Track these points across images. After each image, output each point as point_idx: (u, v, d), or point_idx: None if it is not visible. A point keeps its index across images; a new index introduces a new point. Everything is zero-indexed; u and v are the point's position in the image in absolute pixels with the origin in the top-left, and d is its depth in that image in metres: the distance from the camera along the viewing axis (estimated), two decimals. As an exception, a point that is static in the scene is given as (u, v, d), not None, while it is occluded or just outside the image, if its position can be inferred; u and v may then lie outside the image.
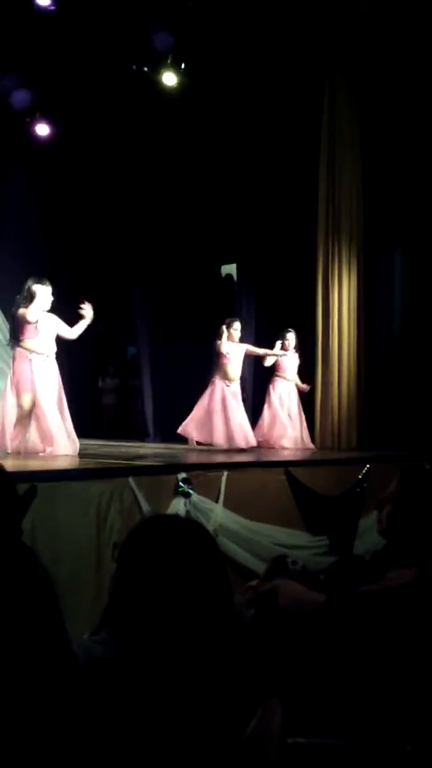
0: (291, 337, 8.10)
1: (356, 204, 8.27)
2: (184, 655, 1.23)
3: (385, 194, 8.29)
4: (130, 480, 4.22)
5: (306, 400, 8.32)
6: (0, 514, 1.15)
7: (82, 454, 5.89)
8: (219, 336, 7.46)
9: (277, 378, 8.10)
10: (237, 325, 7.61)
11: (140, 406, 10.11)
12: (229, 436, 7.19)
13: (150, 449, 7.32)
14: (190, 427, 7.39)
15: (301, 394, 8.20)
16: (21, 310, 5.80)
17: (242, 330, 9.05)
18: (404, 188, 8.11)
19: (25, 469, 4.17)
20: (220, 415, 7.23)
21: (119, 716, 1.11)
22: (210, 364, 7.80)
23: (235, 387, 7.50)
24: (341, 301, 8.21)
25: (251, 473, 5.21)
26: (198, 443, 7.42)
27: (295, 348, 8.14)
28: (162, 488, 4.45)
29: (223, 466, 5.06)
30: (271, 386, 8.09)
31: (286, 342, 8.10)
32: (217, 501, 4.74)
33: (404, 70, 7.75)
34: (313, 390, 8.23)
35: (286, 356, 8.08)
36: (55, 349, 5.99)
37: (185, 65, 8.15)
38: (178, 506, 4.48)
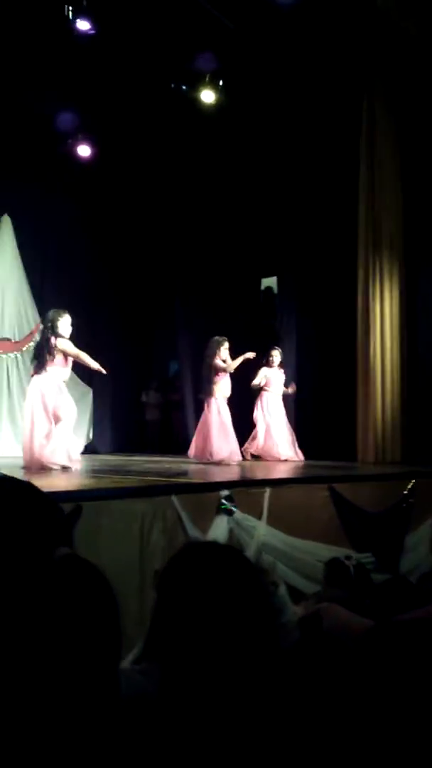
0: (276, 354, 8.52)
1: (396, 218, 8.20)
2: (225, 686, 1.22)
3: (425, 208, 8.21)
4: (174, 498, 4.22)
5: (341, 411, 8.31)
6: (42, 531, 1.14)
7: (125, 471, 5.94)
8: (215, 354, 7.63)
9: (264, 393, 8.43)
10: (226, 344, 7.78)
11: (183, 421, 10.17)
12: (233, 450, 7.50)
13: (192, 465, 7.32)
14: (206, 449, 7.47)
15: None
16: (60, 342, 6.11)
17: (284, 343, 9.17)
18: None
19: (68, 488, 4.21)
20: (222, 431, 7.47)
21: (158, 755, 1.11)
22: (249, 375, 8.13)
23: (225, 403, 7.71)
24: (383, 314, 8.12)
25: (294, 489, 5.16)
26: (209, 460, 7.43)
27: (279, 364, 8.52)
28: (205, 506, 4.44)
29: (265, 483, 5.03)
30: (259, 401, 8.42)
31: (271, 359, 8.49)
32: (260, 518, 4.70)
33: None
34: (354, 404, 8.16)
35: (269, 374, 8.45)
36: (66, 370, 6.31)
37: (223, 83, 8.20)
38: (221, 524, 4.46)
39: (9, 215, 9.17)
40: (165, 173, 10.12)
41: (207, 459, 7.37)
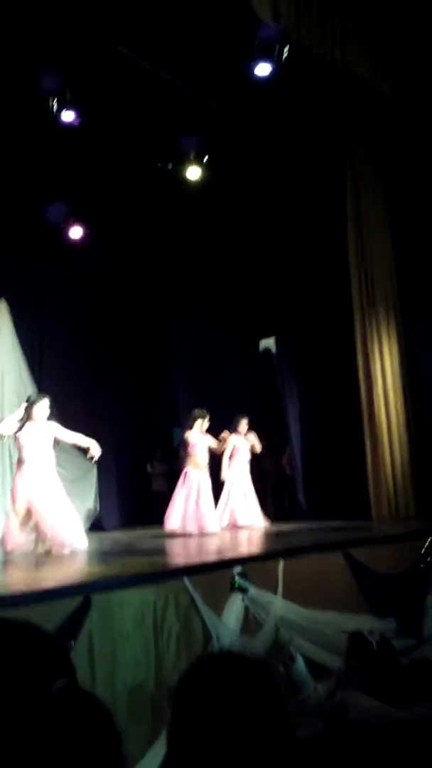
0: (243, 422, 8.61)
1: (389, 273, 8.31)
2: None
3: (416, 260, 8.32)
4: (185, 580, 4.13)
5: (350, 468, 8.25)
6: (38, 671, 1.10)
7: (135, 551, 5.84)
8: (191, 426, 7.87)
9: (233, 461, 8.49)
10: (205, 418, 7.96)
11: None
12: (204, 522, 7.51)
13: (204, 538, 7.23)
14: (176, 521, 7.60)
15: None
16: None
17: (286, 401, 9.17)
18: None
19: (78, 580, 4.12)
20: (193, 502, 7.57)
21: None
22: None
23: (206, 474, 7.84)
24: (384, 369, 8.14)
25: (308, 559, 5.07)
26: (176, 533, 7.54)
27: (246, 432, 8.60)
28: (218, 585, 4.35)
29: (278, 554, 4.94)
30: (224, 475, 8.39)
31: (240, 427, 8.59)
32: (275, 592, 4.60)
33: (423, 141, 7.90)
34: (362, 460, 8.10)
35: (239, 442, 8.53)
36: (51, 455, 6.31)
37: (208, 158, 8.42)
38: (236, 602, 4.35)
39: (5, 299, 9.30)
40: (157, 246, 10.31)
41: (166, 529, 7.57)
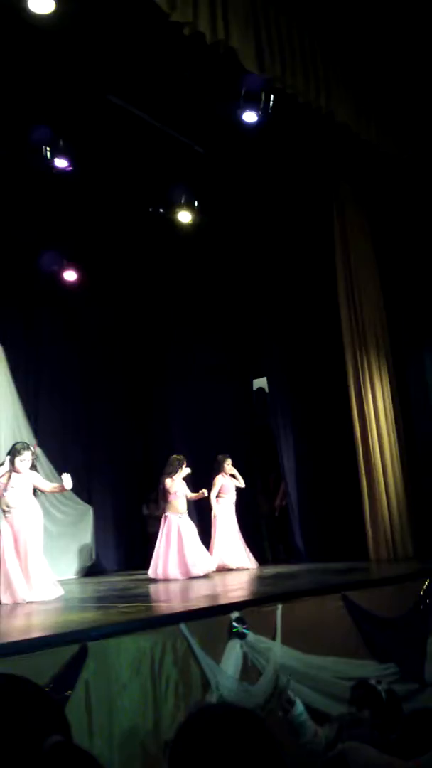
0: (228, 462, 8.69)
1: (378, 313, 8.40)
2: None
3: (405, 301, 8.41)
4: (182, 627, 4.06)
5: (346, 508, 8.20)
6: (31, 724, 1.08)
7: (131, 596, 5.76)
8: (170, 473, 7.91)
9: (220, 500, 8.53)
10: (182, 467, 8.00)
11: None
12: (187, 567, 7.48)
13: (197, 581, 7.14)
14: (159, 568, 7.62)
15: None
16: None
17: (281, 441, 9.16)
18: (425, 287, 8.24)
19: (74, 627, 4.05)
20: (177, 547, 7.61)
21: None
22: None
23: (186, 519, 7.90)
24: (376, 406, 8.15)
25: (306, 603, 4.99)
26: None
27: (231, 474, 8.65)
28: (216, 631, 4.27)
29: (276, 598, 4.86)
30: (215, 511, 8.48)
31: (226, 467, 8.63)
32: (274, 638, 4.52)
33: (408, 184, 8.07)
34: (358, 501, 8.05)
35: (225, 482, 8.58)
36: (31, 501, 6.44)
37: (198, 203, 8.57)
38: (234, 649, 4.27)
39: (1, 344, 9.34)
40: (150, 288, 10.42)
41: (154, 575, 7.59)
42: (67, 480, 6.57)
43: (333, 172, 8.39)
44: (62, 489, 6.73)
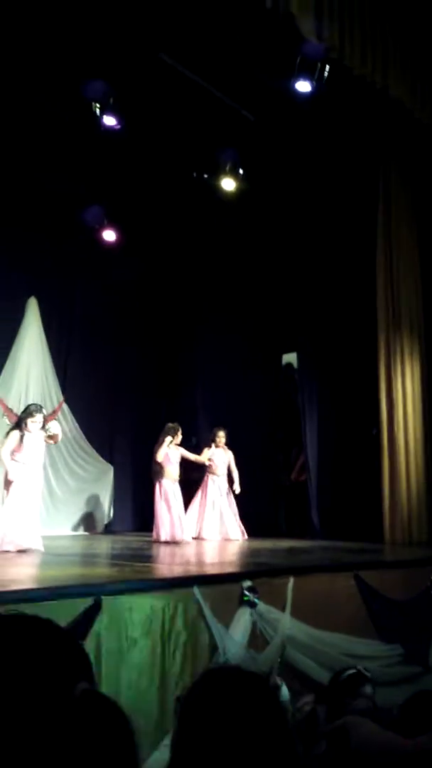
0: (222, 435, 8.76)
1: (416, 295, 8.28)
2: None
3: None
4: (195, 590, 4.13)
5: (369, 491, 8.20)
6: (61, 669, 1.11)
7: (145, 557, 5.86)
8: (161, 443, 8.06)
9: (209, 475, 8.70)
10: (176, 434, 8.18)
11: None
12: (174, 531, 7.80)
13: (213, 548, 7.24)
14: (164, 531, 7.85)
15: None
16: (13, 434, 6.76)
17: (305, 418, 9.18)
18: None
19: (89, 581, 4.14)
20: (164, 512, 7.89)
21: None
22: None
23: (177, 486, 8.14)
24: (405, 391, 8.09)
25: (319, 578, 5.04)
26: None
27: (225, 445, 8.74)
28: (227, 598, 4.34)
29: (289, 571, 4.92)
30: (203, 483, 8.69)
31: (218, 439, 8.74)
32: (283, 610, 4.57)
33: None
34: (378, 482, 8.04)
35: (215, 455, 8.71)
36: (40, 460, 6.88)
37: (244, 171, 8.48)
38: (243, 616, 4.34)
39: (35, 297, 9.41)
40: (188, 254, 10.38)
41: (155, 538, 7.84)
42: (54, 426, 6.93)
43: (382, 150, 8.23)
44: (55, 439, 7.00)
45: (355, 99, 7.40)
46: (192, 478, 9.78)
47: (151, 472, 8.22)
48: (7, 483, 6.61)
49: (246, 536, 8.59)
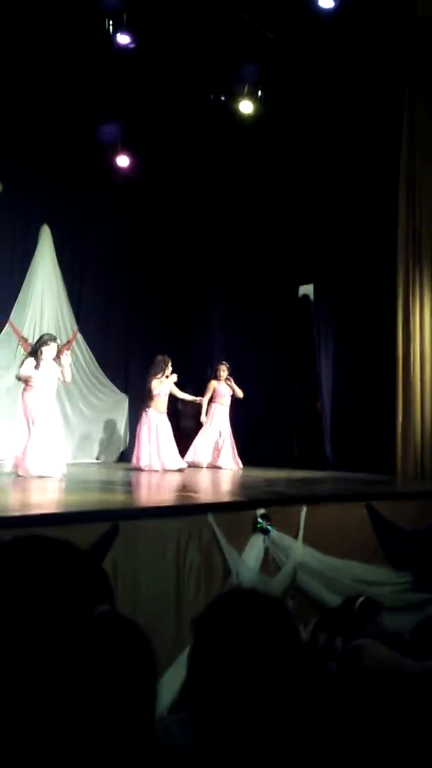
0: (224, 368, 8.97)
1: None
2: (264, 737, 1.22)
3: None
4: (209, 517, 4.21)
5: (379, 422, 8.24)
6: (81, 591, 1.13)
7: (159, 485, 5.96)
8: (155, 374, 8.20)
9: (213, 404, 8.93)
10: (165, 367, 8.27)
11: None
12: (162, 461, 7.98)
13: (227, 477, 7.34)
14: (144, 458, 8.02)
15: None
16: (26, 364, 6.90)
17: (321, 350, 9.16)
18: None
19: (106, 506, 4.23)
20: (148, 441, 8.06)
21: None
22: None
23: (165, 418, 8.33)
24: (422, 325, 8.01)
25: (331, 508, 5.12)
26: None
27: (227, 378, 8.92)
28: (241, 525, 4.43)
29: (302, 500, 4.99)
30: (210, 412, 8.91)
31: (220, 373, 8.93)
32: (296, 537, 4.67)
33: None
34: (392, 415, 8.06)
35: (219, 386, 8.90)
36: (54, 387, 7.03)
37: (263, 93, 8.17)
38: (257, 543, 4.44)
39: (48, 225, 9.28)
40: (203, 182, 10.13)
41: (134, 465, 8.07)
42: (65, 359, 6.99)
43: (407, 73, 7.88)
44: (64, 376, 7.08)
45: (380, 17, 7.05)
46: (185, 412, 10.01)
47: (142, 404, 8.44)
48: (26, 411, 6.73)
49: (241, 467, 8.81)
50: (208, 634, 1.38)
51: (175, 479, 7.04)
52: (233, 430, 9.17)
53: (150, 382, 8.18)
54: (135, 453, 8.21)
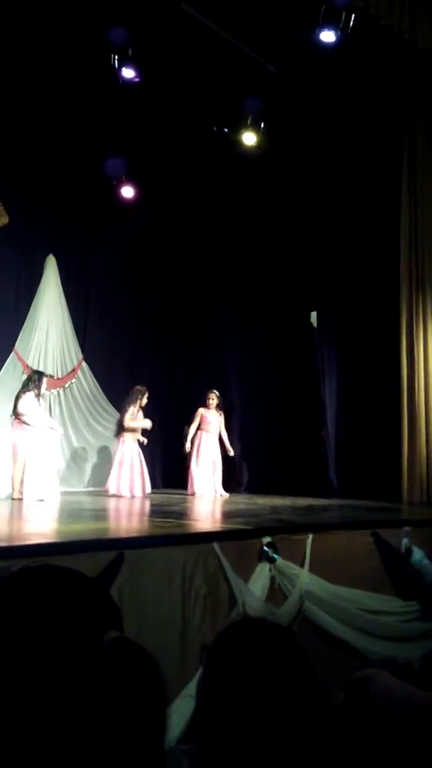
0: (213, 397, 9.05)
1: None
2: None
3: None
4: (215, 545, 4.20)
5: (384, 449, 8.22)
6: (91, 619, 1.14)
7: (167, 513, 5.94)
8: (131, 403, 8.46)
9: (201, 432, 9.00)
10: (142, 398, 8.53)
11: (224, 454, 10.12)
12: (132, 486, 8.30)
13: (232, 503, 7.31)
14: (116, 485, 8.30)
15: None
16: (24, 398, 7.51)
17: (324, 377, 9.17)
18: None
19: (112, 535, 4.22)
20: (122, 468, 8.33)
21: None
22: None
23: (137, 446, 8.57)
24: (427, 349, 8.05)
25: (337, 536, 5.09)
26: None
27: (217, 407, 9.05)
28: (247, 553, 4.41)
29: (308, 528, 4.97)
30: (197, 439, 8.98)
31: (209, 402, 9.01)
32: (302, 565, 4.64)
33: None
34: (398, 443, 8.05)
35: (207, 414, 9.02)
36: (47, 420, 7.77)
37: (265, 125, 8.30)
38: (263, 572, 4.41)
39: (54, 255, 9.37)
40: (207, 213, 10.24)
41: (107, 490, 8.31)
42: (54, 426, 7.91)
43: (408, 105, 8.03)
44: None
45: (381, 50, 7.18)
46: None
47: (116, 429, 8.66)
48: (23, 442, 7.26)
49: (225, 495, 8.91)
50: (218, 663, 1.37)
51: (185, 506, 7.02)
52: (238, 455, 9.23)
53: (125, 411, 8.45)
54: (109, 480, 8.42)
